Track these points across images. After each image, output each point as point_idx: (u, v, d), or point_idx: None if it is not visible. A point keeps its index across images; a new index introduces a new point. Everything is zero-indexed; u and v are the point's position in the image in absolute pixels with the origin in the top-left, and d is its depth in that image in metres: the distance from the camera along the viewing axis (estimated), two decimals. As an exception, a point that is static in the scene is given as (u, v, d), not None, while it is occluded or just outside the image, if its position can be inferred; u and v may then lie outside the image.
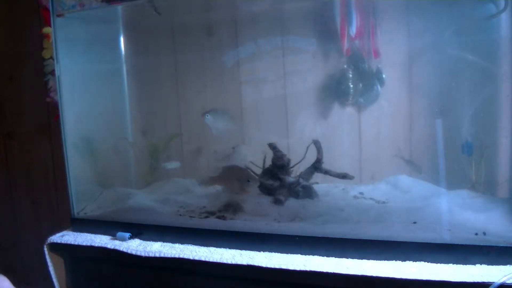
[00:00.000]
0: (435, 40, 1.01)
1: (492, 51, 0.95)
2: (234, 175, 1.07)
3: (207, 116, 1.10)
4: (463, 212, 0.90)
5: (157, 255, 0.93)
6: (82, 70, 1.24)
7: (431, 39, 1.03)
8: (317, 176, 1.14)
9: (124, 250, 0.97)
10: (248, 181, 1.05)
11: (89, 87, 1.28)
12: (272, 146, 1.16)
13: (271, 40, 1.17)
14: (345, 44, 1.11)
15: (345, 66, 1.13)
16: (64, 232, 1.11)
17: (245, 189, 1.05)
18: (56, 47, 1.12)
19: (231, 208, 1.08)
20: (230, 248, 0.93)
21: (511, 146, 0.93)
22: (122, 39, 1.36)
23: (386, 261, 0.81)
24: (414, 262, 0.79)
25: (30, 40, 1.63)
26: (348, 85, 1.12)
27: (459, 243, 0.79)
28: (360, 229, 0.92)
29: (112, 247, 0.99)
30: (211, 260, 0.88)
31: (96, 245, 1.01)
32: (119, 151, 1.36)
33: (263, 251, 0.90)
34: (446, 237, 0.83)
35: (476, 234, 0.81)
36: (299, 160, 1.13)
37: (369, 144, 1.14)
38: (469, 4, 0.97)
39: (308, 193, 1.09)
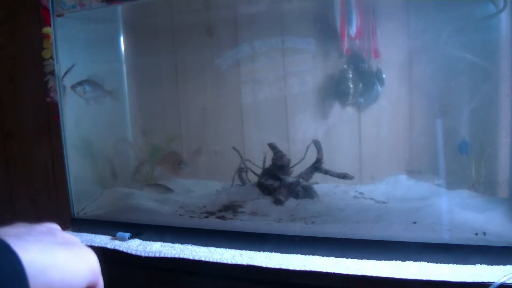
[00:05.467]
0: (435, 40, 1.01)
1: (491, 51, 0.95)
2: (170, 159, 1.18)
3: (78, 88, 1.12)
4: (463, 212, 0.90)
5: (157, 255, 0.93)
6: (82, 70, 1.24)
7: (430, 39, 1.03)
8: (317, 176, 1.14)
9: (124, 250, 0.97)
10: (179, 164, 1.14)
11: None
12: (272, 146, 1.16)
13: (270, 40, 1.16)
14: (345, 44, 1.11)
15: (345, 66, 1.13)
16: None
17: (176, 171, 1.16)
18: (56, 47, 1.12)
19: (231, 208, 1.08)
20: (230, 248, 0.93)
21: (511, 146, 0.93)
22: (122, 39, 1.36)
23: (386, 261, 0.81)
24: (414, 262, 0.79)
25: (30, 40, 1.63)
26: (348, 85, 1.12)
27: (459, 243, 0.79)
28: (360, 229, 0.92)
29: (112, 247, 0.98)
30: (211, 260, 0.88)
31: (96, 245, 1.01)
32: (119, 151, 1.36)
33: (263, 251, 0.90)
34: (446, 237, 0.83)
35: (476, 234, 0.81)
36: (299, 160, 1.13)
37: (369, 144, 1.14)
38: (468, 4, 0.97)
39: (308, 193, 1.09)
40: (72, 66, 1.11)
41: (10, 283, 0.30)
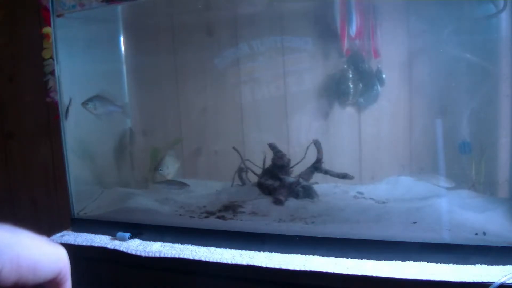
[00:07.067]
0: (435, 40, 1.01)
1: (491, 51, 0.96)
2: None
3: (88, 105, 1.13)
4: (463, 212, 0.90)
5: (157, 255, 0.93)
6: (82, 70, 1.24)
7: (430, 39, 1.03)
8: (317, 176, 1.14)
9: (124, 250, 0.97)
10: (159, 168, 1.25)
11: (89, 87, 1.28)
12: (272, 146, 1.16)
13: (270, 40, 1.17)
14: (345, 44, 1.11)
15: (345, 66, 1.13)
16: (64, 232, 1.11)
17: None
18: (56, 47, 1.12)
19: (231, 208, 1.08)
20: (230, 248, 0.93)
21: (511, 146, 0.93)
22: (122, 39, 1.36)
23: (386, 261, 0.81)
24: (414, 262, 0.79)
25: (30, 40, 1.63)
26: (348, 85, 1.12)
27: (459, 243, 0.79)
28: (360, 229, 0.92)
29: (112, 247, 0.98)
30: (211, 260, 0.88)
31: (96, 245, 1.01)
32: (130, 141, 1.37)
33: (263, 251, 0.90)
34: (446, 237, 0.83)
35: (476, 234, 0.81)
36: (299, 160, 1.13)
37: (369, 144, 1.14)
38: (468, 4, 0.97)
39: (308, 193, 1.09)
40: (70, 101, 1.12)
41: None
